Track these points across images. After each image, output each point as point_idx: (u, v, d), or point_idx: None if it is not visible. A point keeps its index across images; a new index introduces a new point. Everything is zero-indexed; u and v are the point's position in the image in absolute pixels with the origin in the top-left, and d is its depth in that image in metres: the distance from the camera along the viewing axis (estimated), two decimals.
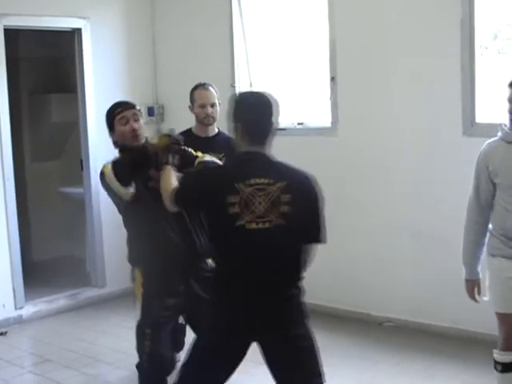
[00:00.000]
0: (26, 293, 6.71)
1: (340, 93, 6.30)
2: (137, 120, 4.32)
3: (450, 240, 5.77)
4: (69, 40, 7.10)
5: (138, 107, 4.43)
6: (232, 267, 3.45)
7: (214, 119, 5.26)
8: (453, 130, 5.67)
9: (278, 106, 3.64)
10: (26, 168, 8.33)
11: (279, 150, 6.82)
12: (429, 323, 5.91)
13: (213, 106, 5.25)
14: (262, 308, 3.43)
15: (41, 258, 8.23)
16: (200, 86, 5.32)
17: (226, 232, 3.42)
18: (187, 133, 5.26)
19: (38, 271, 7.68)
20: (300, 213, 3.46)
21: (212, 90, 5.31)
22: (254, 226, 3.36)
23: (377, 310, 6.21)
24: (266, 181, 3.41)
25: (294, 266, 3.55)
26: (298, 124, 6.71)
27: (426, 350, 5.57)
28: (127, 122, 4.30)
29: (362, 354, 5.57)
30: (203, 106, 5.24)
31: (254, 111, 3.55)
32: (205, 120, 5.24)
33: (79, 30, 6.97)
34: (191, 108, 5.29)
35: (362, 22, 6.13)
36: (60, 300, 7.01)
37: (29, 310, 6.72)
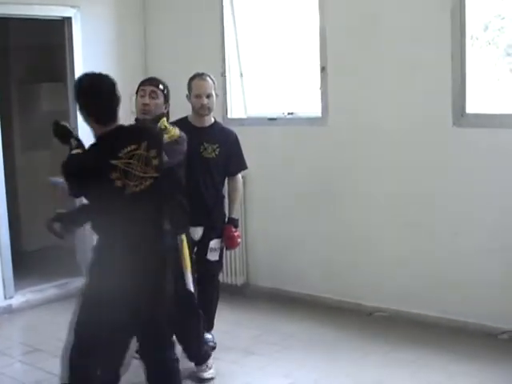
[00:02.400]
0: (15, 282, 6.70)
1: (330, 82, 6.29)
2: (154, 97, 4.75)
3: (439, 230, 5.81)
4: (59, 29, 7.06)
5: (161, 87, 4.80)
6: (125, 232, 3.82)
7: (209, 110, 5.27)
8: (443, 121, 5.67)
9: (115, 83, 4.01)
10: (15, 157, 8.30)
11: (269, 140, 6.90)
12: (419, 313, 5.92)
13: (208, 96, 5.26)
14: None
15: (31, 247, 8.21)
16: (198, 76, 5.33)
17: (119, 202, 3.80)
18: (183, 121, 5.29)
19: (27, 261, 7.67)
20: (163, 162, 3.95)
21: (209, 80, 5.31)
22: (141, 187, 3.80)
23: (367, 300, 6.22)
24: (133, 147, 3.80)
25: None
26: (288, 114, 6.70)
27: (415, 340, 5.58)
28: (143, 96, 4.77)
29: (352, 345, 5.57)
30: (199, 97, 5.24)
31: (98, 96, 3.90)
32: (200, 110, 5.25)
33: (69, 18, 6.92)
34: (188, 97, 5.30)
35: (353, 11, 6.12)
36: (50, 290, 7.00)
37: (18, 299, 6.70)
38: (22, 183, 8.34)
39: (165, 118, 4.81)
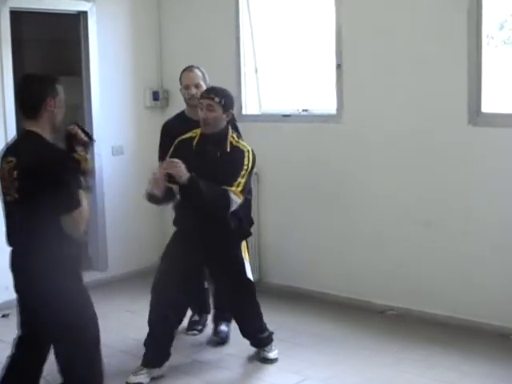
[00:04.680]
0: None
1: (345, 80, 6.28)
2: (211, 110, 4.81)
3: (453, 229, 5.80)
4: (72, 22, 7.07)
5: (217, 99, 4.80)
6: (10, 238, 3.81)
7: (198, 100, 5.30)
8: (458, 119, 5.65)
9: (46, 83, 3.81)
10: None
11: (283, 136, 6.88)
12: (430, 312, 5.92)
13: (197, 86, 5.38)
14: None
15: None
16: (186, 69, 5.50)
17: (3, 205, 3.82)
18: (180, 115, 5.46)
19: None
20: (31, 187, 3.62)
21: (197, 71, 5.46)
22: (7, 198, 3.73)
23: (379, 298, 6.22)
24: (11, 159, 3.69)
25: (39, 238, 3.69)
26: (303, 111, 6.69)
27: (426, 339, 5.57)
28: (201, 109, 4.85)
29: (363, 343, 5.57)
30: (187, 88, 5.40)
31: (17, 92, 3.92)
32: (190, 101, 5.37)
33: (85, 12, 6.93)
34: (181, 90, 5.44)
35: (369, 9, 6.10)
36: None
37: None
38: None
39: (232, 134, 4.96)
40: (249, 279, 5.18)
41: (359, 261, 6.35)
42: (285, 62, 6.89)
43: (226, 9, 6.98)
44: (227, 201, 4.74)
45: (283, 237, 6.82)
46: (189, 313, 5.91)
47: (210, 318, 5.92)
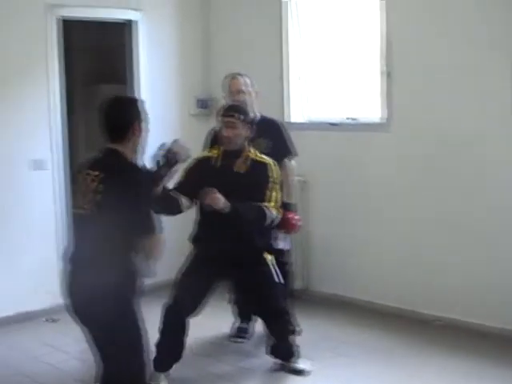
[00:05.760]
0: None
1: (395, 88, 6.22)
2: (232, 127, 4.85)
3: (504, 241, 5.69)
4: (120, 31, 7.13)
5: (238, 116, 4.84)
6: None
7: (244, 105, 5.29)
8: (507, 128, 5.59)
9: (134, 107, 3.96)
10: (80, 157, 8.38)
11: (331, 145, 6.84)
12: (479, 323, 5.84)
13: (240, 92, 5.45)
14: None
15: None
16: (229, 76, 5.61)
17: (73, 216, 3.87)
18: None
19: None
20: (114, 202, 3.62)
21: (240, 78, 5.55)
22: (77, 210, 3.76)
23: (427, 308, 6.15)
24: (96, 173, 3.69)
25: (109, 252, 3.66)
26: (351, 119, 6.64)
27: (472, 350, 5.48)
28: (224, 127, 4.89)
29: (407, 353, 5.50)
30: (232, 95, 5.46)
31: (103, 114, 3.87)
32: None
33: (134, 21, 6.99)
34: (224, 98, 5.58)
35: (419, 16, 6.05)
36: None
37: None
38: None
39: (252, 151, 4.99)
40: (277, 282, 5.09)
41: (405, 270, 6.30)
42: (330, 70, 6.85)
43: (271, 17, 7.00)
44: (263, 217, 4.83)
45: (330, 245, 6.78)
46: (231, 319, 5.91)
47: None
